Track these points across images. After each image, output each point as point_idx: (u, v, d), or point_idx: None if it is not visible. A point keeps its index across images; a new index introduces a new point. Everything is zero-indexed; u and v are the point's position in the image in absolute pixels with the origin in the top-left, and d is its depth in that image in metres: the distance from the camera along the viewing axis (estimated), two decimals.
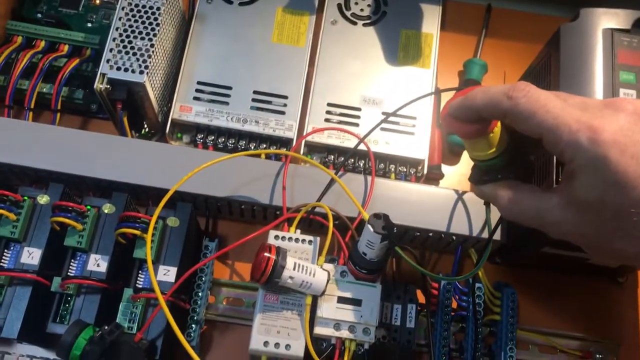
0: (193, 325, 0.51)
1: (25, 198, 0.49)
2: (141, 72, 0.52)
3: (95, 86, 0.52)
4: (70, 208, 0.48)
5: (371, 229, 0.43)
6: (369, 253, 0.45)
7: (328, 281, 0.46)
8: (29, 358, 0.48)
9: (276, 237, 0.48)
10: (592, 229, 0.35)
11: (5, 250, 0.49)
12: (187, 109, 0.58)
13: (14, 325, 0.46)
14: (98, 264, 0.48)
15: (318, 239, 0.49)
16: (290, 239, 0.49)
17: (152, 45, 0.54)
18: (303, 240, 0.49)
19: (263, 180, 0.54)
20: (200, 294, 0.52)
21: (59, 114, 0.59)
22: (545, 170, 0.49)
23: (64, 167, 0.52)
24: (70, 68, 0.59)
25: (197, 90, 0.59)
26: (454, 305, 0.54)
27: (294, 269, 0.44)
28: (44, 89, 0.59)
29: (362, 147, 0.56)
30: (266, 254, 0.44)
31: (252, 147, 0.59)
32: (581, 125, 0.33)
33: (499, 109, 0.36)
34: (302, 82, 0.60)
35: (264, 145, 0.59)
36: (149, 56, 0.53)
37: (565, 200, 0.35)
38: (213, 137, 0.59)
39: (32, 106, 0.58)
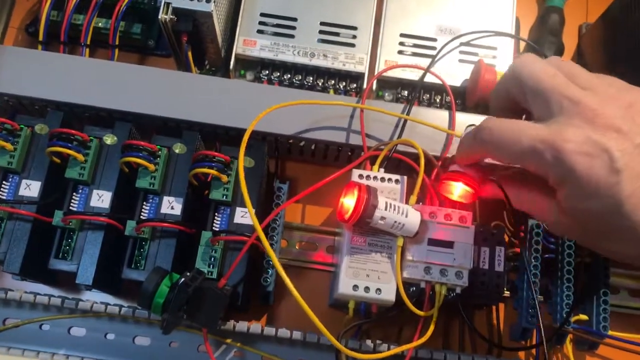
0: (269, 270, 0.48)
1: (92, 138, 0.46)
2: (208, 1, 0.48)
3: (160, 16, 0.48)
4: (141, 147, 0.45)
5: None
6: None
7: (421, 222, 0.43)
8: (104, 305, 0.46)
9: (360, 176, 0.45)
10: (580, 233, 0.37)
11: (74, 194, 0.46)
12: (251, 43, 0.54)
13: (88, 271, 0.44)
14: (172, 206, 0.46)
15: (405, 177, 0.45)
16: (375, 178, 0.45)
17: None
18: (389, 180, 0.45)
19: (337, 117, 0.50)
20: (275, 237, 0.49)
21: (117, 51, 0.55)
22: None
23: (128, 105, 0.49)
24: (127, 1, 0.54)
25: (260, 23, 0.55)
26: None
27: (386, 208, 0.41)
28: (100, 24, 0.55)
29: (438, 80, 0.53)
30: (357, 192, 0.41)
31: (320, 84, 0.55)
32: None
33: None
34: (372, 12, 0.55)
35: (333, 82, 0.55)
36: None
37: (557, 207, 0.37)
38: (278, 74, 0.55)
39: (88, 42, 0.54)
